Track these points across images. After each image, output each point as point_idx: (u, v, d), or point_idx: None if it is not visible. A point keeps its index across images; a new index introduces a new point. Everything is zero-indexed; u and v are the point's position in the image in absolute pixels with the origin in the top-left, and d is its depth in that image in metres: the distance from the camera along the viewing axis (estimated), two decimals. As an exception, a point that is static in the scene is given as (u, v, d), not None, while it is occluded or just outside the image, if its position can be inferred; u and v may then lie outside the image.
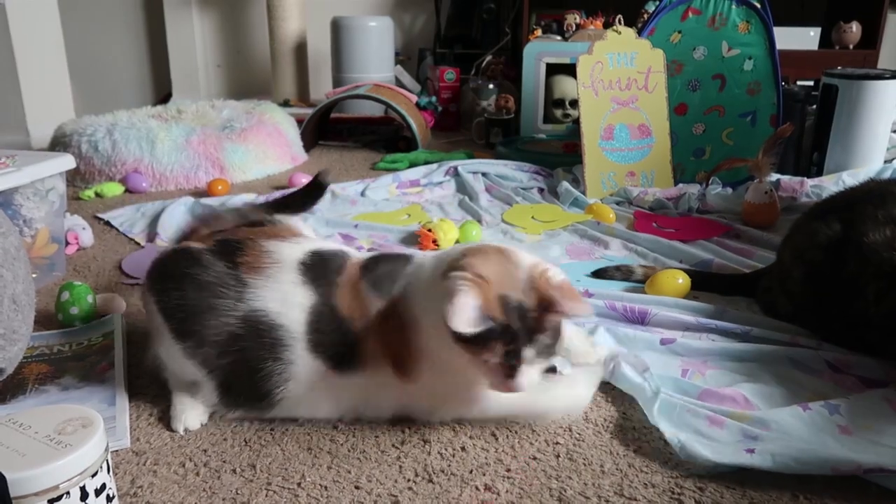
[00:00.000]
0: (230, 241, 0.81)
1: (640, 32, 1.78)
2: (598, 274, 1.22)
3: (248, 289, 0.76)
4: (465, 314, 0.66)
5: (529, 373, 0.71)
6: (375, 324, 0.75)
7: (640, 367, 0.88)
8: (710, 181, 1.70)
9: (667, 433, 0.77)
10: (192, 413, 0.81)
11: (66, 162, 1.21)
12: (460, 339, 0.68)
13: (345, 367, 0.76)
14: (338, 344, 0.75)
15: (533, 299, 0.70)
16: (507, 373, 0.71)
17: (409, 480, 0.72)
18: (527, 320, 0.69)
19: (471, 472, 0.73)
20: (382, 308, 0.76)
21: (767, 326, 1.01)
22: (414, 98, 2.47)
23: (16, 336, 0.68)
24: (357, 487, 0.71)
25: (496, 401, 0.78)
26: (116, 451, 0.76)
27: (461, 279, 0.68)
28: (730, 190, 1.73)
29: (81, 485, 0.59)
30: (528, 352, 0.70)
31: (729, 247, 1.37)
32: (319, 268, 0.79)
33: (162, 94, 3.52)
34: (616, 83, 1.73)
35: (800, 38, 2.66)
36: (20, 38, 2.37)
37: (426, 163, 2.03)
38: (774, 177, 1.67)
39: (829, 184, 1.66)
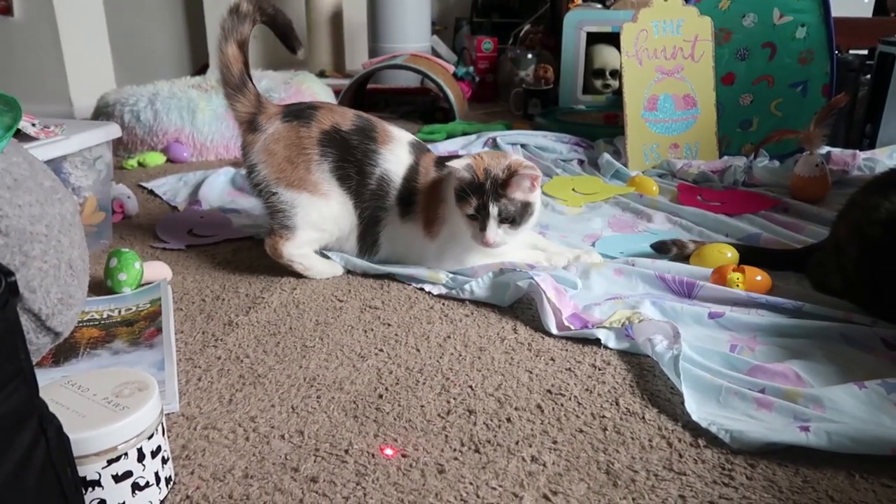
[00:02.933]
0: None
1: (687, -1, 1.72)
2: (658, 248, 1.17)
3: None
4: (460, 164, 1.05)
5: (496, 228, 1.04)
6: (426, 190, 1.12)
7: (670, 338, 0.87)
8: (757, 153, 1.65)
9: (713, 427, 0.73)
10: (328, 266, 1.14)
11: (113, 131, 1.23)
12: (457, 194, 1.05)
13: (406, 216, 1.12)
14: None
15: (504, 173, 1.04)
16: (480, 225, 1.05)
17: (455, 450, 0.72)
18: (496, 183, 1.04)
19: (517, 443, 0.73)
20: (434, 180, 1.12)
21: (819, 302, 0.98)
22: (451, 68, 2.44)
23: (72, 300, 0.70)
24: (404, 456, 0.71)
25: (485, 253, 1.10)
26: (167, 415, 0.78)
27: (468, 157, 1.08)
28: (777, 163, 1.69)
29: (138, 446, 0.60)
30: (493, 208, 1.03)
31: (777, 221, 1.33)
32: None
33: (199, 66, 3.54)
34: (661, 52, 1.69)
35: (853, 5, 2.55)
36: (63, 10, 2.40)
37: (464, 134, 2.02)
38: (825, 149, 1.62)
39: (883, 157, 1.61)
